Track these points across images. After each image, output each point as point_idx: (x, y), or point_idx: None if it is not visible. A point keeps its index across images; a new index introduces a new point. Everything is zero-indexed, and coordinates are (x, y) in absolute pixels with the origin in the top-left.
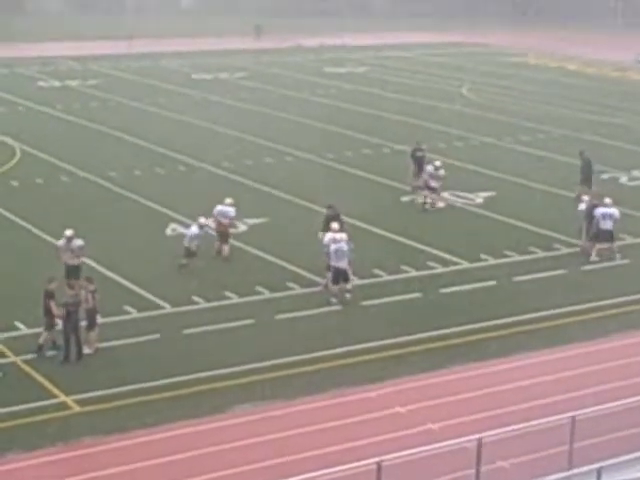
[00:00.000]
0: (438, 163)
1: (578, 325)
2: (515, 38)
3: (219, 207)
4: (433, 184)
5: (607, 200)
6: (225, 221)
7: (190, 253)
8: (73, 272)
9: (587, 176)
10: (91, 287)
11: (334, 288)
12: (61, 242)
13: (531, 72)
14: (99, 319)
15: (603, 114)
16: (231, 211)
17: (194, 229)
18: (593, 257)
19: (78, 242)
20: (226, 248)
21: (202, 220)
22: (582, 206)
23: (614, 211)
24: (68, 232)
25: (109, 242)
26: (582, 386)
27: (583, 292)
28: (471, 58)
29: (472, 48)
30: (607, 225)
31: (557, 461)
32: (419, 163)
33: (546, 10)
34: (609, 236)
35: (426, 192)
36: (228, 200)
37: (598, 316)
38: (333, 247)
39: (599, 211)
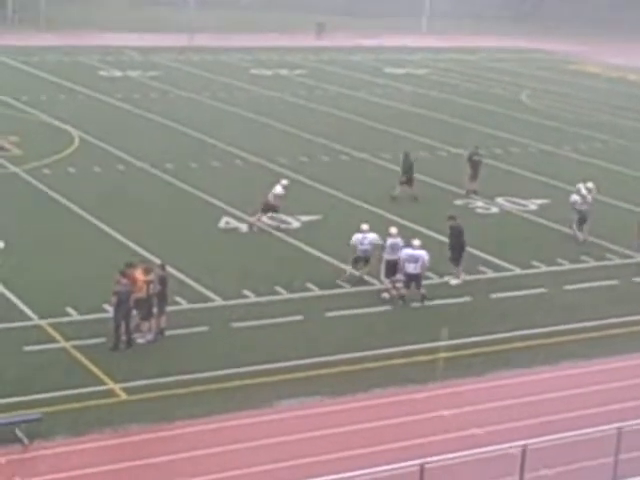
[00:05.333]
0: (591, 185)
1: (627, 336)
2: (577, 46)
3: None
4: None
5: None
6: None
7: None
8: None
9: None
10: (148, 277)
11: (387, 282)
12: None
13: (592, 81)
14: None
15: None
16: None
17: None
18: None
19: None
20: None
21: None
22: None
23: None
24: None
25: (162, 233)
26: (629, 398)
27: (633, 303)
28: (532, 64)
29: (534, 54)
30: None
31: (602, 472)
32: (475, 167)
33: (610, 20)
34: None
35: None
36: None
37: None
38: (389, 241)
39: None
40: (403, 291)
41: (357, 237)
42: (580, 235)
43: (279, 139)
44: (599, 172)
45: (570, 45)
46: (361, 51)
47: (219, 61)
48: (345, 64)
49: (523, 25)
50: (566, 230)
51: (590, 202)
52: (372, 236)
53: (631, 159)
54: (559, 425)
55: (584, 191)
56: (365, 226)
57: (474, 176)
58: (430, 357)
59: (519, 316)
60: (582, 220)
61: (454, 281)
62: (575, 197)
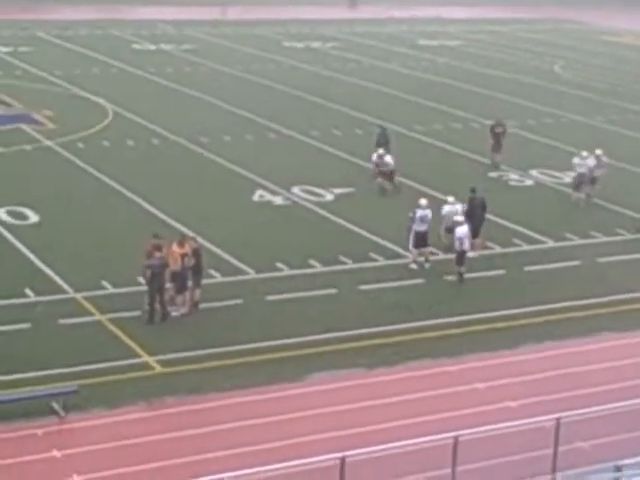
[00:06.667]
0: (599, 151)
1: None
2: (611, 17)
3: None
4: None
5: None
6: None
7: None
8: None
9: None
10: (184, 250)
11: (415, 252)
12: None
13: (626, 51)
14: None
15: None
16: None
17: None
18: None
19: None
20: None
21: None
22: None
23: None
24: None
25: (196, 206)
26: None
27: None
28: (566, 35)
29: (568, 25)
30: None
31: (637, 445)
32: (497, 139)
33: None
34: None
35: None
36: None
37: None
38: (419, 213)
39: None
40: (463, 269)
41: (447, 209)
42: (582, 195)
43: (312, 112)
44: (633, 143)
45: (604, 16)
46: (394, 23)
47: (252, 34)
48: (378, 36)
49: None
50: (600, 203)
51: (582, 164)
52: (459, 207)
53: None
54: (593, 398)
55: (577, 160)
56: (451, 198)
57: (497, 148)
58: (464, 330)
59: (553, 289)
60: (579, 184)
61: (472, 253)
62: (576, 160)
